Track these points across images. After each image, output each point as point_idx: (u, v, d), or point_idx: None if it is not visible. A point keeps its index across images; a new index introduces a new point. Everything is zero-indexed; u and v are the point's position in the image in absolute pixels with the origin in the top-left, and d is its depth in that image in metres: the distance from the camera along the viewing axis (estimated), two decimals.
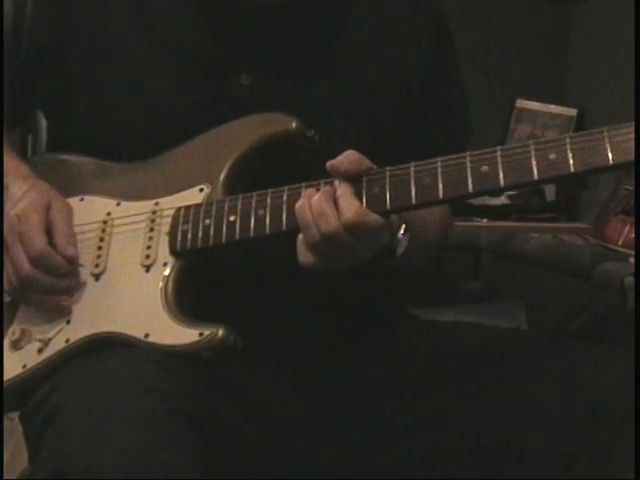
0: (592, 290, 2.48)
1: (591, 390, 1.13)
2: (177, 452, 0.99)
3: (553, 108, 3.33)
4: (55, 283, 1.19)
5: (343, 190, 1.09)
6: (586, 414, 1.12)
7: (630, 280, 2.30)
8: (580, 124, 3.24)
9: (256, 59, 1.27)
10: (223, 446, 1.07)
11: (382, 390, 1.25)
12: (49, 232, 1.20)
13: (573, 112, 3.28)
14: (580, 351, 1.22)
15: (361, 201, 1.09)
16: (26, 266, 1.17)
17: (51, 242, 1.19)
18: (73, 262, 1.19)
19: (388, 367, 1.27)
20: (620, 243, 2.72)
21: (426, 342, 1.28)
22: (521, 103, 3.37)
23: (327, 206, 1.08)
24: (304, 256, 1.10)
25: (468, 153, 1.08)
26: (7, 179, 1.24)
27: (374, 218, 1.08)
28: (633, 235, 2.66)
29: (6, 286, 1.21)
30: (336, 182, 1.10)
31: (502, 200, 2.80)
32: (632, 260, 2.49)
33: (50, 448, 1.02)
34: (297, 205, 1.10)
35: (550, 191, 2.98)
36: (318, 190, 1.11)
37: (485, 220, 2.81)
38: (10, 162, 1.28)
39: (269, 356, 1.22)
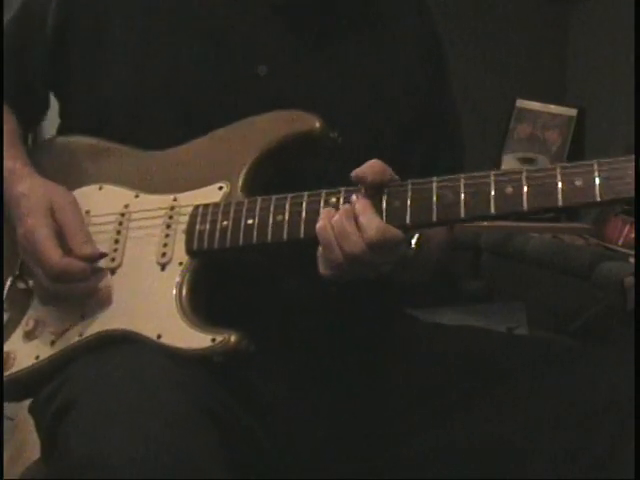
0: (592, 290, 2.48)
1: (591, 391, 1.13)
2: (195, 444, 0.98)
3: (553, 108, 3.33)
4: (83, 287, 1.17)
5: (363, 206, 1.08)
6: (586, 414, 1.12)
7: (630, 280, 2.30)
8: (580, 124, 3.24)
9: (273, 51, 1.26)
10: (235, 441, 1.07)
11: (384, 391, 1.25)
12: (61, 235, 1.18)
13: (573, 112, 3.28)
14: (580, 352, 1.22)
15: (381, 215, 1.07)
16: (50, 285, 1.17)
17: (65, 246, 1.17)
18: (93, 259, 1.18)
19: (390, 368, 1.27)
20: (620, 243, 2.72)
21: (428, 343, 1.28)
22: (521, 103, 3.37)
23: (349, 226, 1.07)
24: (324, 269, 1.10)
25: (492, 172, 1.05)
26: (6, 185, 1.23)
27: (395, 233, 1.07)
28: (633, 235, 2.65)
29: (43, 300, 1.21)
30: (354, 196, 1.09)
31: None
32: (632, 260, 2.49)
33: (65, 444, 1.01)
34: (318, 226, 1.09)
35: None
36: (337, 200, 1.10)
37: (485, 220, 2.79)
38: (6, 163, 1.26)
39: (274, 357, 1.21)
